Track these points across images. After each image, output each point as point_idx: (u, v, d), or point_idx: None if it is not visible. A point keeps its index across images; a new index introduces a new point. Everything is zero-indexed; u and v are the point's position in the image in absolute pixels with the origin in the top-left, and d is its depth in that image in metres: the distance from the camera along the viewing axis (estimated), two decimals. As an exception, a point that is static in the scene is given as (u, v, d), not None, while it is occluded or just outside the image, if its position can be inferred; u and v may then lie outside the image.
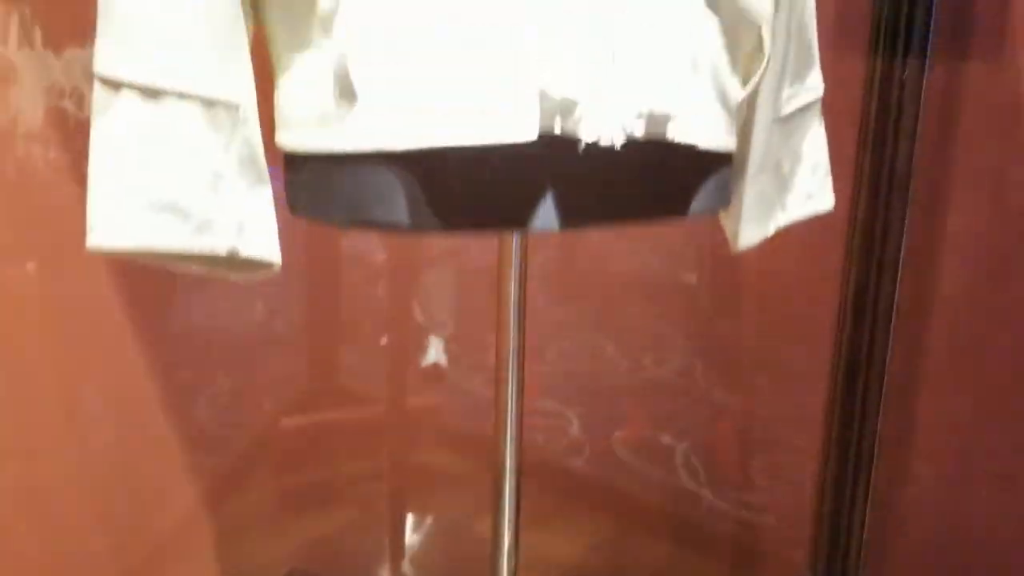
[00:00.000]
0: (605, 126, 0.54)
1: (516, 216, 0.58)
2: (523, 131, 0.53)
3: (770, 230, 0.73)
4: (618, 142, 0.54)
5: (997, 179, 1.02)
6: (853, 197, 1.03)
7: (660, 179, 0.61)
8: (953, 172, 1.03)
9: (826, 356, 1.19)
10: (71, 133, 1.00)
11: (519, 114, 0.53)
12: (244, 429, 1.14)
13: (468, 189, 0.56)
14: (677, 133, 0.57)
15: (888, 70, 0.99)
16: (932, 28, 0.97)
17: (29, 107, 0.99)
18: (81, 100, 1.03)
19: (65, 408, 1.01)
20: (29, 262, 1.01)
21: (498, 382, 0.77)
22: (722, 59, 0.60)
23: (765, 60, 0.62)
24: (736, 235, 0.72)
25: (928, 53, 0.98)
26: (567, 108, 0.54)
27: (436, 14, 0.52)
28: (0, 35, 0.99)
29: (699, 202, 0.63)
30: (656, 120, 0.56)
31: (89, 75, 1.05)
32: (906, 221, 1.00)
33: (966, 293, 1.08)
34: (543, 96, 0.53)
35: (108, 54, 0.55)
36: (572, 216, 0.58)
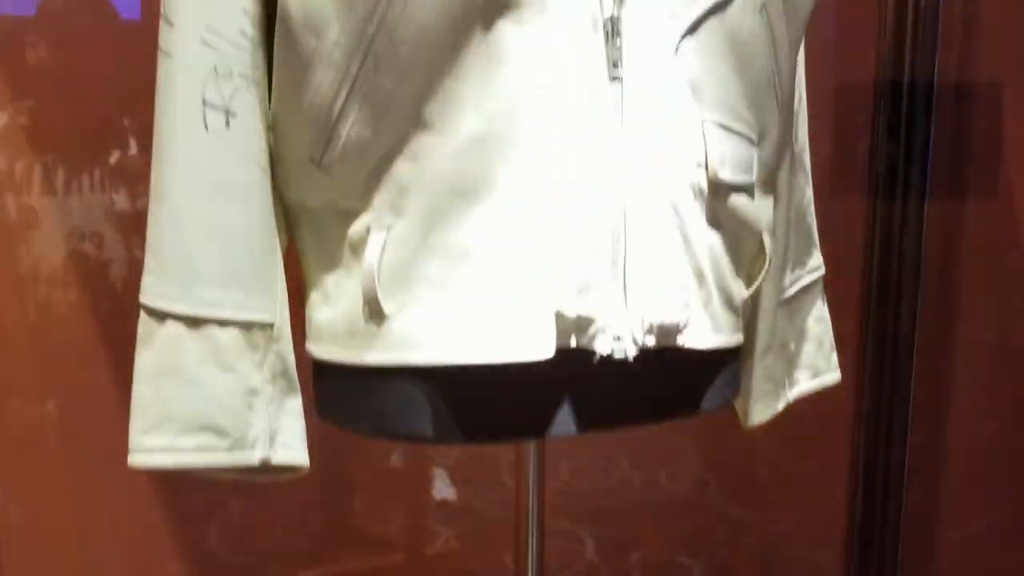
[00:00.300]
0: (618, 341, 0.59)
1: (536, 427, 0.62)
2: (541, 350, 0.58)
3: (779, 407, 0.77)
4: (631, 354, 0.59)
5: (1001, 314, 1.07)
6: (860, 351, 1.08)
7: (672, 382, 0.65)
8: (957, 310, 1.08)
9: (843, 471, 1.22)
10: (90, 274, 1.05)
11: (537, 334, 0.58)
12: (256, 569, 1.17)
13: (489, 403, 0.61)
14: (686, 341, 0.62)
15: (888, 212, 1.04)
16: (929, 172, 1.03)
17: (50, 251, 1.05)
18: (101, 242, 1.09)
19: (79, 542, 1.05)
20: (49, 400, 1.06)
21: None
22: (726, 267, 0.65)
23: (767, 263, 0.67)
24: (747, 413, 0.76)
25: (927, 196, 1.04)
26: (582, 326, 0.59)
27: (457, 243, 0.58)
28: (24, 183, 1.05)
29: (710, 399, 0.67)
30: (666, 331, 0.61)
31: (107, 217, 1.11)
32: (914, 368, 1.04)
33: (978, 414, 1.12)
34: (559, 316, 0.58)
35: (155, 288, 0.60)
36: (588, 422, 0.63)
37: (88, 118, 1.02)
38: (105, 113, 1.02)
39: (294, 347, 0.65)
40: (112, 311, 1.05)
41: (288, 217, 0.65)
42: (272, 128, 0.62)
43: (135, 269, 1.04)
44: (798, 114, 0.75)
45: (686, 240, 0.61)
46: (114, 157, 1.08)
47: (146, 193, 1.03)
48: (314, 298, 0.65)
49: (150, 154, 1.05)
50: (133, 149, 1.08)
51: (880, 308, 1.06)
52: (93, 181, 1.07)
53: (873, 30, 1.06)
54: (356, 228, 0.60)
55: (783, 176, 0.73)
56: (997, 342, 1.07)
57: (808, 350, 0.79)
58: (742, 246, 0.66)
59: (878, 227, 1.05)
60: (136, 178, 1.06)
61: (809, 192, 0.77)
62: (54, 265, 1.04)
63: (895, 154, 1.04)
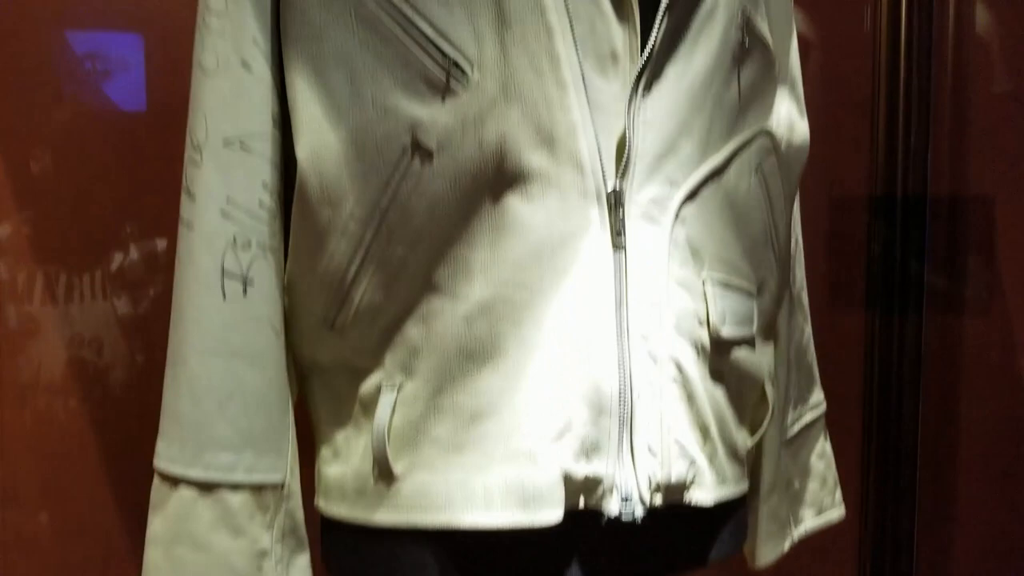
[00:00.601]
0: (626, 502, 0.61)
1: None
2: (550, 514, 0.60)
3: (785, 547, 0.79)
4: (639, 515, 0.62)
5: (1002, 425, 1.09)
6: (863, 462, 1.10)
7: (679, 537, 0.67)
8: (958, 421, 1.10)
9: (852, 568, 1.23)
10: (90, 382, 1.07)
11: (545, 497, 0.60)
12: None
13: (499, 565, 0.63)
14: (693, 498, 0.64)
15: (886, 325, 1.08)
16: (925, 284, 1.07)
17: (51, 359, 1.07)
18: (100, 349, 1.11)
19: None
20: (42, 512, 1.07)
21: None
22: (730, 419, 0.67)
23: (770, 411, 0.70)
24: (753, 555, 0.78)
25: (923, 310, 1.07)
26: (590, 487, 0.61)
27: (466, 404, 0.60)
28: (25, 293, 1.07)
29: (718, 550, 0.69)
30: (673, 489, 0.63)
31: (107, 323, 1.13)
32: (917, 478, 1.07)
33: (982, 525, 1.14)
34: (567, 477, 0.60)
35: (168, 454, 0.63)
36: None
37: (90, 225, 1.04)
38: (107, 219, 1.05)
39: (301, 491, 0.67)
40: (112, 419, 1.07)
41: (299, 371, 0.68)
42: (287, 290, 0.65)
43: (135, 375, 1.07)
44: (795, 256, 0.79)
45: (690, 397, 0.64)
46: (115, 263, 1.10)
47: (147, 297, 1.07)
48: (324, 453, 0.67)
49: (150, 259, 1.08)
50: (134, 254, 1.10)
51: (881, 421, 1.09)
52: (94, 287, 1.10)
53: (865, 145, 1.11)
54: (367, 387, 0.63)
55: (782, 317, 0.76)
56: (999, 454, 1.10)
57: (812, 488, 0.82)
58: (745, 396, 0.69)
59: (876, 340, 1.08)
60: (136, 284, 1.09)
61: (808, 330, 0.80)
62: (54, 373, 1.06)
63: (891, 267, 1.08)
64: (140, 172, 1.02)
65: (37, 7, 0.97)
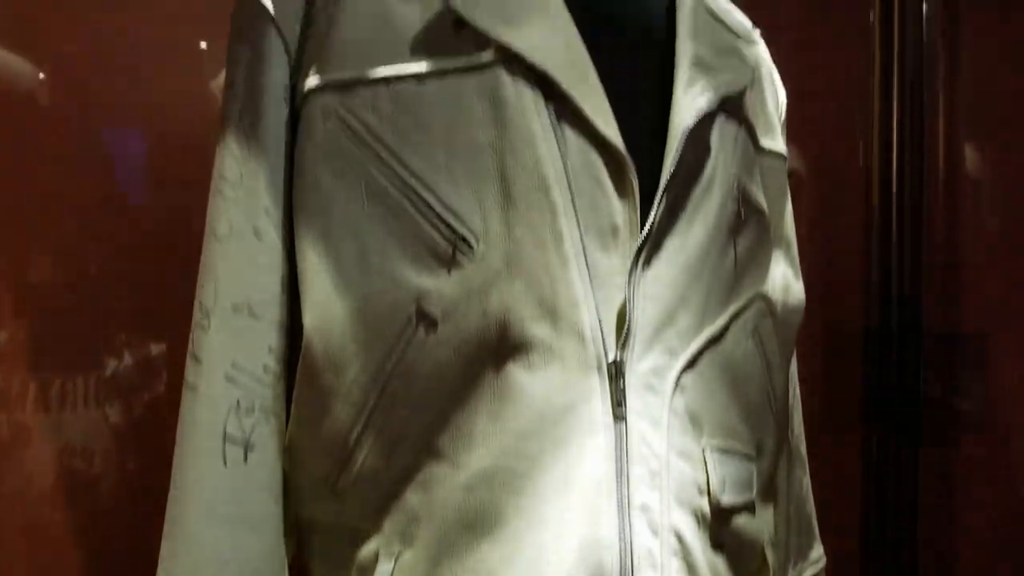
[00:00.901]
0: None
1: None
2: None
3: None
4: None
5: (1001, 555, 1.10)
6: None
7: None
8: (956, 550, 1.11)
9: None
10: (80, 492, 1.07)
11: None
12: None
13: None
14: None
15: (883, 457, 1.09)
16: (921, 417, 1.09)
17: (41, 468, 1.07)
18: (91, 458, 1.11)
19: None
20: (29, 626, 1.06)
21: None
22: None
23: (771, 575, 0.70)
24: None
25: (920, 433, 1.09)
26: None
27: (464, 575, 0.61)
28: (18, 400, 1.08)
29: None
30: None
31: (99, 432, 1.13)
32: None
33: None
34: None
35: None
36: None
37: (84, 333, 1.05)
38: (101, 327, 1.06)
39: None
40: (102, 530, 1.06)
41: (297, 530, 0.69)
42: (288, 451, 0.66)
43: (125, 485, 1.07)
44: (792, 407, 0.80)
45: (691, 568, 0.64)
46: (109, 371, 1.11)
47: (140, 405, 1.08)
48: None
49: (145, 368, 1.08)
50: (128, 361, 1.11)
51: (878, 550, 1.09)
52: (88, 395, 1.10)
53: (860, 279, 1.14)
54: (365, 552, 0.64)
55: (781, 471, 0.77)
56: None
57: None
58: (745, 562, 0.69)
59: (873, 470, 1.09)
60: (130, 389, 1.09)
61: (807, 482, 0.81)
62: (44, 483, 1.06)
63: (889, 401, 1.09)
64: (137, 280, 1.04)
65: (35, 109, 1.00)
